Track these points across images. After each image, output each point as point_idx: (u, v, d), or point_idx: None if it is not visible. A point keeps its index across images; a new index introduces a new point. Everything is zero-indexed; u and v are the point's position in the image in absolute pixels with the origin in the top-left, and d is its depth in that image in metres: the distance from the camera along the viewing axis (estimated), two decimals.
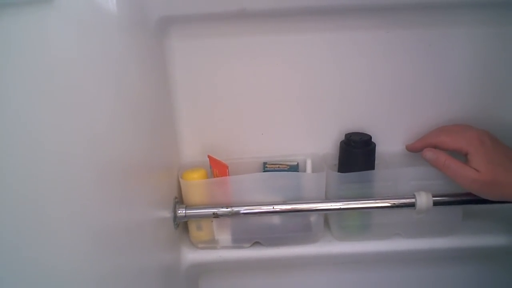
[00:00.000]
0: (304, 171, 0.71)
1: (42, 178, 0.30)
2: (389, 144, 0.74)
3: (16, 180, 0.27)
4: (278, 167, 0.73)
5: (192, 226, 0.71)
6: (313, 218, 0.71)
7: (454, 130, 0.67)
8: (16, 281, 0.27)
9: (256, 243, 0.73)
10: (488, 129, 0.66)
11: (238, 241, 0.72)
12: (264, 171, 0.72)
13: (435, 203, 0.65)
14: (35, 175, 0.30)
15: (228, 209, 0.66)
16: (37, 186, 0.30)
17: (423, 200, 0.64)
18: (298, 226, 0.72)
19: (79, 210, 0.36)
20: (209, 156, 0.71)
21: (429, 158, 0.64)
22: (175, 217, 0.67)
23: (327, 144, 0.75)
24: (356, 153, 0.69)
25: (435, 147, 0.66)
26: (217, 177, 0.70)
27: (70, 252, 0.34)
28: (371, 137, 0.70)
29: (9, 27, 0.28)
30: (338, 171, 0.71)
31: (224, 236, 0.72)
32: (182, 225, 0.73)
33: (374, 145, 0.70)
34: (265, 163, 0.74)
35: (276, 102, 0.73)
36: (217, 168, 0.70)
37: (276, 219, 0.71)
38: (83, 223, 0.37)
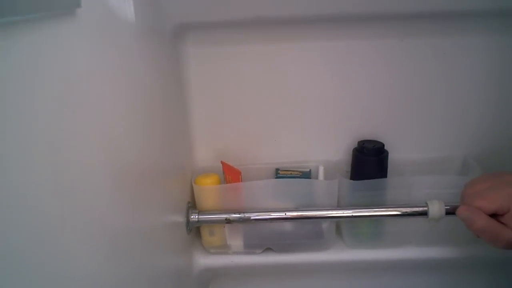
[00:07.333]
0: (317, 177, 0.71)
1: (58, 183, 0.31)
2: (402, 152, 0.73)
3: (32, 185, 0.28)
4: (291, 174, 0.73)
5: (205, 231, 0.72)
6: (325, 225, 0.71)
7: (487, 186, 0.57)
8: (32, 287, 0.27)
9: (268, 249, 0.73)
10: (501, 139, 0.63)
11: (250, 247, 0.73)
12: (276, 177, 0.73)
13: (448, 212, 0.64)
14: (51, 181, 0.30)
15: (241, 215, 0.66)
16: (53, 192, 0.30)
17: (436, 208, 0.63)
18: (310, 233, 0.72)
19: (95, 215, 0.37)
20: (222, 162, 0.71)
21: (465, 218, 0.56)
22: (188, 222, 0.67)
23: (340, 151, 0.75)
24: (369, 160, 0.69)
25: None
26: (230, 182, 0.70)
27: (86, 257, 0.35)
28: (384, 145, 0.70)
29: (32, 40, 0.29)
30: (350, 178, 0.71)
31: (236, 241, 0.72)
32: (194, 230, 0.74)
33: (387, 152, 0.70)
34: (277, 170, 0.74)
35: (289, 109, 0.73)
36: (230, 174, 0.70)
37: (288, 226, 0.71)
38: (99, 228, 0.37)
